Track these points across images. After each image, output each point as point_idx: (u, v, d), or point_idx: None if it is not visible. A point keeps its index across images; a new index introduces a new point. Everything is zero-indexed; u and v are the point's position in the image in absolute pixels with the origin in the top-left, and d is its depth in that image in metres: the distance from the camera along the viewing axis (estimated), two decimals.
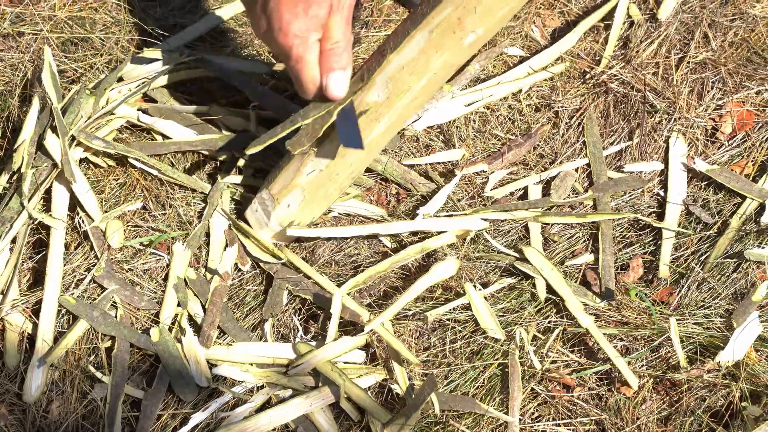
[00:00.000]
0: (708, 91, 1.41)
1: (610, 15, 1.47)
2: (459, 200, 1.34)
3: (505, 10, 1.12)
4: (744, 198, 1.33)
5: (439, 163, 1.38)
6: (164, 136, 1.37)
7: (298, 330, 1.24)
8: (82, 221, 1.29)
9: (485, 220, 1.30)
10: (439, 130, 1.41)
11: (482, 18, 1.10)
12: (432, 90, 1.20)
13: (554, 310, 1.24)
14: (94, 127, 1.33)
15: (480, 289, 1.24)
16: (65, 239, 1.28)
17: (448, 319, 1.23)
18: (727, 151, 1.38)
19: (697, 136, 1.38)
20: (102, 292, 1.26)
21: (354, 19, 1.20)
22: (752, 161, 1.36)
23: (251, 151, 1.17)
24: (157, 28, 1.45)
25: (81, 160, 1.33)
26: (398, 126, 1.23)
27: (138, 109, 1.36)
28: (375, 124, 1.19)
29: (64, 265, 1.27)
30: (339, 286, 1.25)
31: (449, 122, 1.40)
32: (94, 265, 1.27)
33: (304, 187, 1.24)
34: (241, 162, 1.35)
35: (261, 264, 1.29)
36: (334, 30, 1.10)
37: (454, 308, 1.23)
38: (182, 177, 1.34)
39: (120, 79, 1.38)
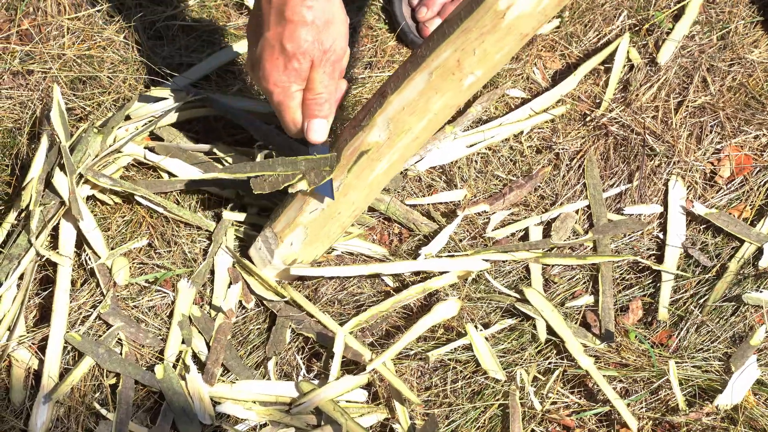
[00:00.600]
0: (707, 135, 1.43)
1: (610, 58, 1.50)
2: (461, 240, 1.36)
3: (503, 52, 1.14)
4: (742, 242, 1.34)
5: (441, 203, 1.40)
6: (170, 174, 1.39)
7: (301, 368, 1.25)
8: (89, 258, 1.31)
9: (486, 260, 1.32)
10: (441, 170, 1.43)
11: (480, 60, 1.13)
12: (432, 130, 1.22)
13: (554, 351, 1.26)
14: (101, 165, 1.35)
15: (481, 330, 1.26)
16: (72, 276, 1.29)
17: (449, 359, 1.24)
18: (725, 194, 1.40)
19: (696, 179, 1.40)
20: (107, 329, 1.27)
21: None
22: (750, 205, 1.38)
23: (259, 191, 1.21)
24: (164, 66, 1.47)
25: (88, 198, 1.35)
26: (399, 165, 1.25)
27: (145, 147, 1.38)
28: (377, 164, 1.21)
29: (71, 302, 1.28)
30: (342, 325, 1.26)
31: (451, 163, 1.42)
32: (100, 302, 1.28)
33: (307, 225, 1.26)
34: (246, 199, 1.37)
35: (264, 302, 1.31)
36: (316, 83, 1.17)
37: (455, 348, 1.25)
38: (187, 215, 1.35)
39: (127, 118, 1.40)
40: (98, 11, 1.52)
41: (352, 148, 1.20)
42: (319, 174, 1.22)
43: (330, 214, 1.26)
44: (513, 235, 1.37)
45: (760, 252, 1.33)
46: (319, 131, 1.21)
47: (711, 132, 1.44)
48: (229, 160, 1.39)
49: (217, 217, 1.37)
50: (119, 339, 1.27)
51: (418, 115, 1.18)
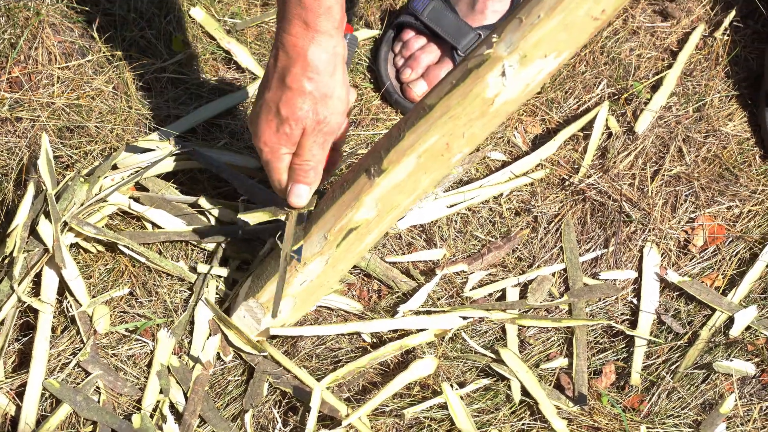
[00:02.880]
0: (681, 204, 1.46)
1: (589, 125, 1.53)
2: (439, 299, 1.38)
3: (490, 131, 1.17)
4: (714, 310, 1.37)
5: (420, 262, 1.42)
6: (154, 225, 1.40)
7: (277, 422, 1.26)
8: (70, 306, 1.31)
9: (463, 317, 1.34)
10: (421, 229, 1.45)
11: (469, 141, 1.15)
12: (419, 200, 1.25)
13: (528, 413, 1.27)
14: (86, 213, 1.36)
15: (457, 389, 1.27)
16: (52, 322, 1.30)
17: (424, 417, 1.26)
18: (698, 263, 1.43)
19: (670, 247, 1.43)
20: (86, 377, 1.28)
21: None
22: (722, 274, 1.41)
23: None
24: (152, 118, 1.50)
25: (72, 245, 1.36)
26: (384, 234, 1.28)
27: (130, 197, 1.40)
28: (366, 237, 1.24)
29: (50, 349, 1.29)
30: (319, 380, 1.28)
31: (432, 222, 1.45)
32: (79, 350, 1.29)
33: (296, 295, 1.28)
34: (227, 252, 1.39)
35: (243, 355, 1.32)
36: (305, 150, 1.21)
37: (430, 406, 1.26)
38: (169, 266, 1.37)
39: (114, 167, 1.41)
40: (89, 61, 1.54)
41: (340, 226, 1.22)
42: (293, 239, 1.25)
43: (319, 284, 1.28)
44: (490, 295, 1.39)
45: (731, 321, 1.36)
46: (300, 196, 1.25)
47: (686, 201, 1.47)
48: (214, 212, 1.41)
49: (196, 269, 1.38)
50: (97, 387, 1.28)
51: (406, 194, 1.21)
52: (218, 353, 1.33)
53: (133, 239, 1.37)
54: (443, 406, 1.26)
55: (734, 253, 1.43)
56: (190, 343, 1.32)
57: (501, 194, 1.48)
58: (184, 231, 1.39)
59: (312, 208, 1.27)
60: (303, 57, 1.16)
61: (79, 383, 1.27)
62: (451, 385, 1.27)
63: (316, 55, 1.16)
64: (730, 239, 1.44)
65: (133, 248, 1.35)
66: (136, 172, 1.41)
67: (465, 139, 1.15)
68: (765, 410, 1.29)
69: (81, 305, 1.32)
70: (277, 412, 1.27)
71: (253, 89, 1.55)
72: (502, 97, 1.12)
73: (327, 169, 1.26)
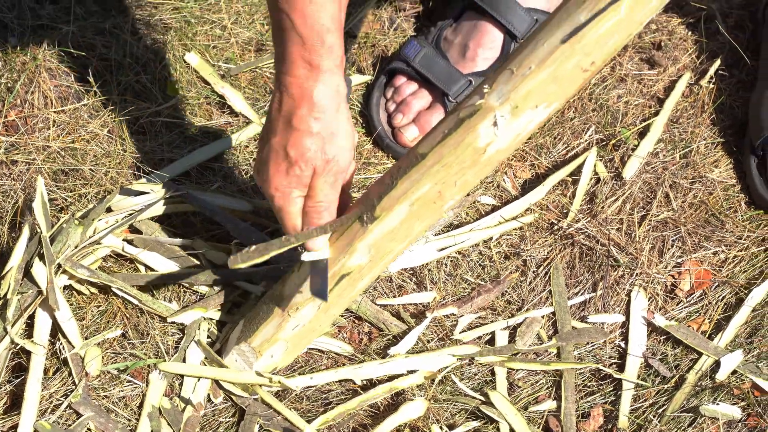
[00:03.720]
0: (668, 249, 1.48)
1: (577, 171, 1.55)
2: (429, 341, 1.39)
3: (482, 178, 1.20)
4: (700, 354, 1.39)
5: (411, 305, 1.43)
6: (148, 267, 1.42)
7: None
8: (63, 347, 1.32)
9: (453, 356, 1.35)
10: (412, 272, 1.46)
11: (461, 189, 1.17)
12: (411, 245, 1.27)
13: None
14: (80, 255, 1.37)
15: (446, 431, 1.28)
16: (44, 364, 1.31)
17: None
18: (685, 307, 1.44)
19: (657, 291, 1.45)
20: (77, 418, 1.28)
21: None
22: (709, 319, 1.43)
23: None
24: (146, 161, 1.52)
25: (65, 287, 1.37)
26: (375, 278, 1.30)
27: (124, 240, 1.41)
28: (358, 283, 1.25)
29: (42, 390, 1.29)
30: (309, 422, 1.29)
31: (422, 265, 1.46)
32: (71, 391, 1.30)
33: (288, 339, 1.29)
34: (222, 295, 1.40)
35: (233, 397, 1.33)
36: (317, 191, 1.20)
37: None
38: (162, 308, 1.38)
39: (108, 210, 1.43)
40: (84, 105, 1.56)
41: (333, 272, 1.24)
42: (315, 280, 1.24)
43: (311, 328, 1.30)
44: (480, 338, 1.41)
45: (717, 365, 1.37)
46: (317, 240, 1.23)
47: (672, 246, 1.49)
48: (207, 255, 1.42)
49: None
50: (89, 429, 1.28)
51: (399, 241, 1.22)
52: (209, 395, 1.34)
53: (126, 281, 1.38)
54: None
55: (720, 297, 1.45)
56: (181, 384, 1.33)
57: (491, 238, 1.50)
58: (177, 273, 1.41)
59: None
60: (308, 98, 1.16)
61: (70, 425, 1.28)
62: (441, 428, 1.28)
63: (321, 95, 1.16)
64: (717, 284, 1.46)
65: (127, 291, 1.36)
66: (130, 214, 1.43)
67: (457, 187, 1.17)
68: None
69: (74, 347, 1.33)
70: None
71: (246, 133, 1.57)
72: (494, 146, 1.14)
73: (338, 212, 1.25)
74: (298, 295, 1.27)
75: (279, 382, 1.31)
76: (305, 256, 1.23)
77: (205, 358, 1.34)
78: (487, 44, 1.59)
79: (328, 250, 1.24)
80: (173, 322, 1.38)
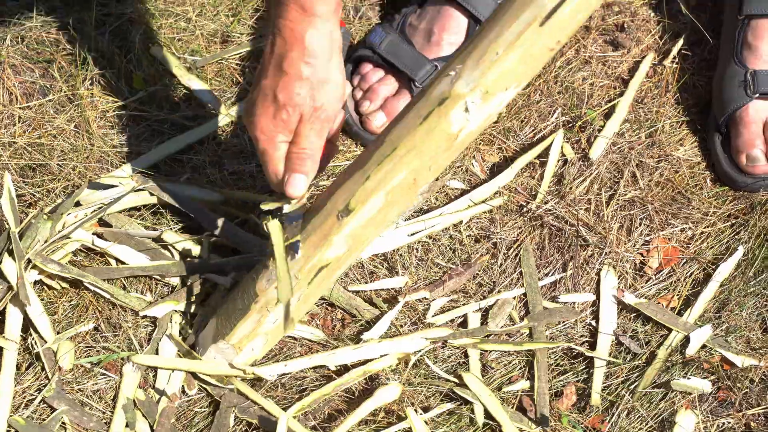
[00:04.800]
0: (636, 228, 1.50)
1: (545, 153, 1.57)
2: (402, 326, 1.40)
3: (452, 159, 1.21)
4: (670, 330, 1.40)
5: (383, 290, 1.44)
6: (118, 260, 1.41)
7: None
8: (35, 342, 1.32)
9: (426, 339, 1.36)
10: (383, 257, 1.47)
11: (434, 172, 1.18)
12: (386, 230, 1.28)
13: None
14: (50, 250, 1.37)
15: (421, 413, 1.29)
16: (17, 360, 1.31)
17: None
18: (654, 284, 1.46)
19: (626, 269, 1.47)
20: (52, 413, 1.28)
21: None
22: (678, 295, 1.45)
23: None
24: (114, 155, 1.51)
25: (35, 283, 1.37)
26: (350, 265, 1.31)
27: (93, 233, 1.41)
28: (336, 272, 1.26)
29: (15, 386, 1.29)
30: (285, 409, 1.29)
31: (393, 251, 1.47)
32: (44, 386, 1.30)
33: (268, 333, 1.30)
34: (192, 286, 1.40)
35: (208, 388, 1.33)
36: (302, 137, 1.20)
37: (396, 431, 1.28)
38: (133, 301, 1.38)
39: (77, 204, 1.43)
40: (50, 100, 1.56)
41: (311, 265, 1.24)
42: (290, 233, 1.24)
43: (291, 320, 1.30)
44: (452, 321, 1.42)
45: (687, 340, 1.39)
46: (297, 186, 1.23)
47: (640, 225, 1.50)
48: (178, 247, 1.42)
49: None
50: (63, 423, 1.28)
51: (375, 228, 1.23)
52: (183, 387, 1.34)
53: (97, 275, 1.38)
54: (408, 431, 1.28)
55: (688, 274, 1.47)
56: (155, 376, 1.33)
57: (461, 222, 1.51)
58: (148, 266, 1.41)
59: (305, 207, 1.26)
60: (300, 41, 1.15)
61: (44, 419, 1.28)
62: (416, 410, 1.29)
63: (313, 40, 1.15)
64: (684, 261, 1.48)
65: (98, 285, 1.36)
66: (99, 208, 1.42)
67: (431, 172, 1.18)
68: (722, 426, 1.31)
69: (46, 342, 1.33)
70: None
71: (213, 125, 1.57)
72: (466, 130, 1.15)
73: (323, 161, 1.25)
74: (276, 291, 1.27)
75: (252, 372, 1.31)
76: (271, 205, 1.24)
77: (179, 351, 1.35)
78: (452, 29, 1.60)
79: (305, 200, 1.24)
80: (145, 316, 1.37)
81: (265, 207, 1.26)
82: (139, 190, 1.44)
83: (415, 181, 1.18)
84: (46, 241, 1.37)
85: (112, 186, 1.45)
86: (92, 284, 1.36)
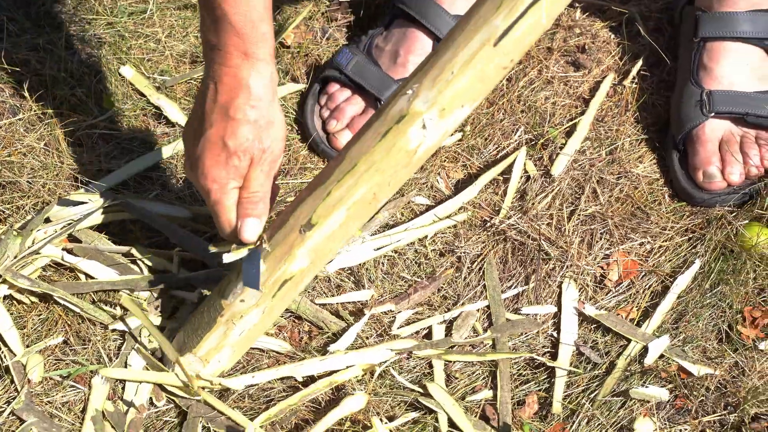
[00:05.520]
0: (597, 242, 1.54)
1: (508, 170, 1.60)
2: (368, 338, 1.42)
3: (412, 174, 1.24)
4: (629, 341, 1.44)
5: (349, 303, 1.47)
6: (87, 275, 1.43)
7: None
8: (4, 356, 1.34)
9: (391, 350, 1.39)
10: (350, 271, 1.50)
11: (394, 188, 1.21)
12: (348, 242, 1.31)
13: None
14: (19, 266, 1.39)
15: (386, 423, 1.31)
16: None
17: None
18: (614, 297, 1.49)
19: (587, 282, 1.50)
20: (21, 425, 1.29)
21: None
22: (636, 307, 1.48)
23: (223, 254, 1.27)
24: (84, 172, 1.53)
25: (5, 297, 1.38)
26: (314, 277, 1.34)
27: (63, 249, 1.43)
28: (300, 285, 1.29)
29: None
30: (252, 419, 1.31)
31: (359, 264, 1.50)
32: (14, 398, 1.31)
33: (234, 345, 1.32)
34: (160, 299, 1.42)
35: (176, 400, 1.35)
36: (253, 181, 1.22)
37: None
38: (103, 315, 1.40)
39: (47, 221, 1.44)
40: (20, 119, 1.58)
41: (275, 278, 1.26)
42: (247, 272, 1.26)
43: (257, 331, 1.33)
44: (417, 332, 1.44)
45: (645, 350, 1.42)
46: (251, 230, 1.24)
47: (601, 239, 1.54)
48: (147, 261, 1.44)
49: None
50: None
51: (337, 242, 1.26)
52: (151, 398, 1.35)
53: (66, 290, 1.40)
54: None
55: (647, 286, 1.50)
56: (123, 388, 1.35)
57: (426, 236, 1.54)
58: (117, 281, 1.42)
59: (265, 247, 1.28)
60: (245, 87, 1.17)
61: (14, 431, 1.29)
62: (381, 420, 1.31)
63: (256, 84, 1.17)
64: (643, 273, 1.51)
65: (67, 299, 1.38)
66: (69, 224, 1.44)
67: (390, 187, 1.21)
68: None
69: (15, 355, 1.34)
70: None
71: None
72: (424, 146, 1.18)
73: (270, 201, 1.26)
74: (241, 304, 1.29)
75: (220, 384, 1.33)
76: (233, 255, 1.25)
77: (147, 364, 1.36)
78: (417, 50, 1.64)
79: (262, 241, 1.26)
80: (114, 329, 1.39)
81: (213, 250, 1.29)
82: (108, 206, 1.47)
83: (375, 195, 1.21)
84: (15, 257, 1.38)
85: (82, 203, 1.47)
86: (62, 298, 1.38)
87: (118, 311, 1.41)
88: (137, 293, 1.43)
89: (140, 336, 1.39)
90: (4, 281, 1.37)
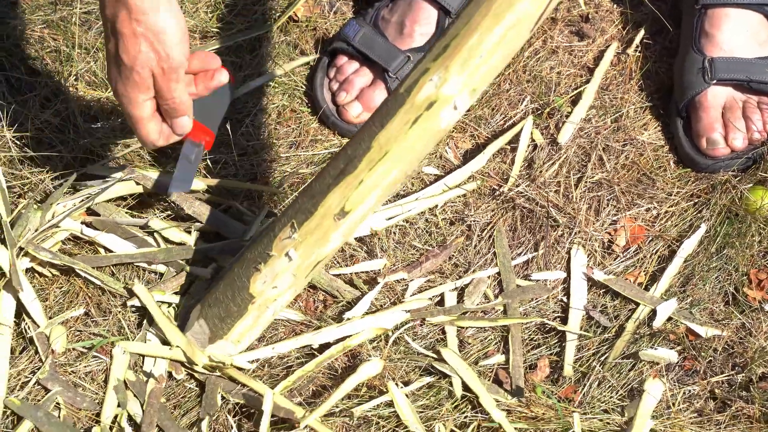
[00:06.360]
0: (604, 208, 1.57)
1: (515, 139, 1.63)
2: (381, 306, 1.46)
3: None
4: (638, 304, 1.47)
5: (363, 272, 1.50)
6: (106, 249, 1.46)
7: (232, 428, 1.33)
8: (28, 327, 1.37)
9: (405, 311, 1.42)
10: (362, 241, 1.53)
11: (422, 162, 1.24)
12: None
13: (470, 407, 1.35)
14: (40, 239, 1.42)
15: (401, 387, 1.35)
16: (11, 344, 1.35)
17: (372, 415, 1.33)
18: (622, 261, 1.53)
19: (595, 248, 1.53)
20: (46, 394, 1.33)
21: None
22: (644, 271, 1.51)
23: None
24: (100, 147, 1.56)
25: (27, 270, 1.41)
26: None
27: (82, 222, 1.46)
28: (325, 262, 1.32)
29: (10, 369, 1.34)
30: (272, 387, 1.34)
31: (371, 234, 1.53)
32: (38, 369, 1.34)
33: (265, 323, 1.37)
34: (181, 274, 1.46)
35: (195, 374, 1.38)
36: (165, 91, 1.26)
37: (378, 405, 1.34)
38: (122, 288, 1.43)
39: (66, 194, 1.47)
40: (35, 95, 1.60)
41: (309, 262, 1.29)
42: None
43: (285, 305, 1.36)
44: (430, 300, 1.47)
45: (653, 313, 1.45)
46: (183, 125, 1.31)
47: (608, 205, 1.57)
48: (164, 234, 1.47)
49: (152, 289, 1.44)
50: (57, 403, 1.33)
51: (366, 219, 1.29)
52: (170, 372, 1.38)
53: (86, 263, 1.42)
54: (390, 404, 1.33)
55: (654, 251, 1.53)
56: (143, 359, 1.38)
57: (436, 206, 1.57)
58: (135, 253, 1.45)
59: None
60: (123, 1, 1.19)
61: (39, 400, 1.32)
62: (396, 384, 1.35)
63: None
64: (650, 238, 1.55)
65: (88, 271, 1.41)
66: (88, 198, 1.47)
67: (420, 163, 1.24)
68: (688, 393, 1.38)
69: (39, 326, 1.37)
70: (233, 420, 1.33)
71: None
72: (453, 120, 1.20)
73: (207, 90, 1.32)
74: (273, 290, 1.31)
75: (231, 365, 1.36)
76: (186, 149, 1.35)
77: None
78: (422, 20, 1.66)
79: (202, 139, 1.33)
80: (132, 306, 1.42)
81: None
82: (126, 180, 1.49)
83: (405, 174, 1.24)
84: (36, 230, 1.41)
85: (100, 176, 1.50)
86: (83, 270, 1.41)
87: (136, 281, 1.44)
88: (155, 266, 1.45)
89: (160, 308, 1.42)
90: (27, 254, 1.40)
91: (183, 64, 1.25)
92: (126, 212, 1.49)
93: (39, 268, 1.42)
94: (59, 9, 1.69)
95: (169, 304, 1.43)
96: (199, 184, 1.52)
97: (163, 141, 1.33)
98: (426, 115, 1.18)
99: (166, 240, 1.48)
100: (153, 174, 1.50)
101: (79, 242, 1.46)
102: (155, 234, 1.48)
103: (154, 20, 1.20)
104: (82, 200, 1.47)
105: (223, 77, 1.33)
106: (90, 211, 1.48)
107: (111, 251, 1.46)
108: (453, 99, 1.17)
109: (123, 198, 1.50)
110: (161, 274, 1.46)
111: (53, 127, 1.57)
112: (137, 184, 1.50)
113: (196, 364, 1.36)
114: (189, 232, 1.48)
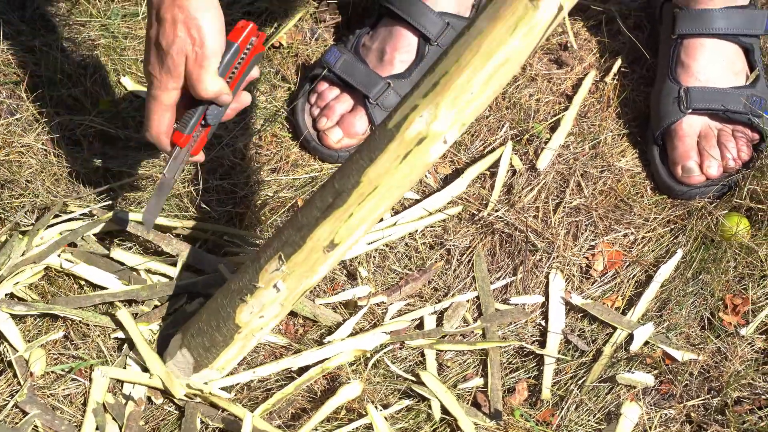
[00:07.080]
0: (582, 233, 1.58)
1: (495, 164, 1.64)
2: (361, 329, 1.46)
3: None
4: (615, 329, 1.48)
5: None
6: (87, 281, 1.46)
7: None
8: (7, 351, 1.37)
9: (385, 333, 1.43)
10: (343, 265, 1.54)
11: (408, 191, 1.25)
12: None
13: (448, 430, 1.36)
14: (20, 269, 1.42)
15: (381, 410, 1.35)
16: None
17: None
18: (599, 286, 1.54)
19: (573, 272, 1.55)
20: (24, 417, 1.33)
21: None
22: (621, 296, 1.53)
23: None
24: (81, 172, 1.56)
25: (6, 295, 1.41)
26: None
27: (62, 252, 1.45)
28: (310, 290, 1.32)
29: None
30: (252, 410, 1.34)
31: (353, 258, 1.54)
32: (17, 392, 1.34)
33: (246, 353, 1.37)
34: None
35: (174, 400, 1.38)
36: (194, 79, 1.30)
37: (357, 428, 1.34)
38: (103, 321, 1.42)
39: (48, 227, 1.47)
40: (17, 119, 1.61)
41: (295, 293, 1.30)
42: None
43: (267, 333, 1.37)
44: (410, 322, 1.48)
45: (630, 337, 1.46)
46: (244, 100, 1.40)
47: (586, 230, 1.59)
48: (149, 266, 1.47)
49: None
50: (35, 426, 1.32)
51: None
52: (149, 397, 1.38)
53: (67, 304, 1.42)
54: (369, 427, 1.34)
55: (631, 276, 1.55)
56: (122, 383, 1.38)
57: (416, 230, 1.58)
58: (118, 292, 1.44)
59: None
60: None
61: (17, 423, 1.32)
62: (376, 407, 1.35)
63: None
64: (627, 263, 1.56)
65: (68, 313, 1.40)
66: (69, 231, 1.47)
67: (406, 193, 1.25)
68: (665, 417, 1.39)
69: (17, 350, 1.37)
70: None
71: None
72: (441, 153, 1.20)
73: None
74: (260, 320, 1.32)
75: (210, 393, 1.36)
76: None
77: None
78: (403, 48, 1.68)
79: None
80: (116, 338, 1.42)
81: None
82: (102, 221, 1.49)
83: (392, 206, 1.26)
84: (15, 265, 1.41)
85: (82, 216, 1.50)
86: (62, 312, 1.40)
87: (120, 306, 1.44)
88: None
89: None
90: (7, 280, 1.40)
91: (216, 54, 1.30)
92: (108, 245, 1.48)
93: (19, 293, 1.42)
94: (41, 35, 1.70)
95: (152, 331, 1.44)
96: (176, 222, 1.52)
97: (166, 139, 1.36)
98: (416, 150, 1.18)
99: (149, 271, 1.48)
100: (125, 215, 1.50)
101: (60, 273, 1.46)
102: (138, 267, 1.48)
103: (195, 8, 1.26)
104: (63, 235, 1.47)
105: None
106: (72, 243, 1.48)
107: (92, 283, 1.45)
108: (443, 135, 1.17)
109: (107, 232, 1.50)
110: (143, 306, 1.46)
111: (34, 151, 1.58)
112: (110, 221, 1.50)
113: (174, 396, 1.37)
114: (177, 268, 1.48)
